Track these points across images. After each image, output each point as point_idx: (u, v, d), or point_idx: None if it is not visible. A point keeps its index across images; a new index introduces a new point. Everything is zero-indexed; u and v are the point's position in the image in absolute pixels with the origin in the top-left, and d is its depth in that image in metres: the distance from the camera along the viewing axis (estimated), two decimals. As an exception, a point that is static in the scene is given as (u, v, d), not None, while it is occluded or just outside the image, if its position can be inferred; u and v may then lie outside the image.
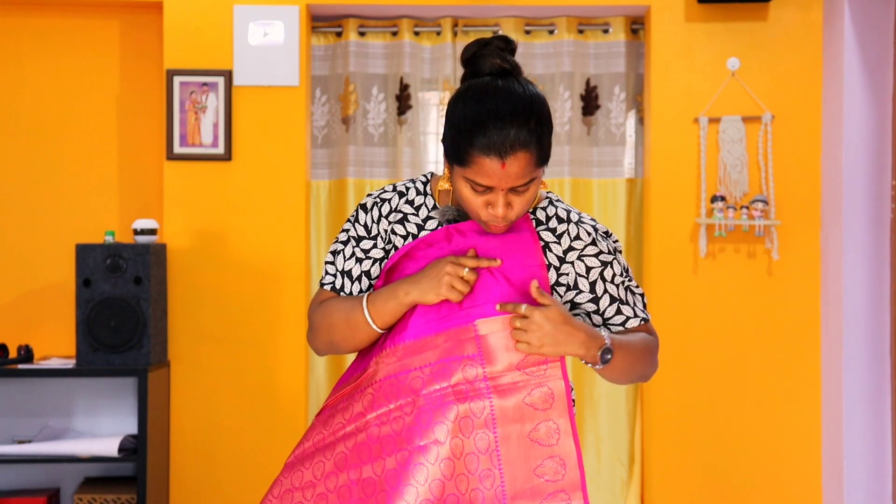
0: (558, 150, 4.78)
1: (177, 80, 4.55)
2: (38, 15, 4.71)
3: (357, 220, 2.32)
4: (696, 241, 4.57)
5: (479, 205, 2.15)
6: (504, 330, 2.14)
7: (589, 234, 2.27)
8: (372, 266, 2.30)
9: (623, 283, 2.28)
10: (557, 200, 2.31)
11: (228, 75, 4.55)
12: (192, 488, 4.51)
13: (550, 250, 2.25)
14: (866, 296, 4.42)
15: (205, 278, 4.54)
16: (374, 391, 2.16)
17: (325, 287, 2.33)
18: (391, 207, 2.31)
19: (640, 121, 4.82)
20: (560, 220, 2.27)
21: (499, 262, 2.18)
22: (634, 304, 2.30)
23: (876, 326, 4.41)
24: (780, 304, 4.58)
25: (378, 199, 2.33)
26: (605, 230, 2.30)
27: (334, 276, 2.32)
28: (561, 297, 2.26)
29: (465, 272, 2.15)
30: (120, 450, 4.20)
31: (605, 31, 4.79)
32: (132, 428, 4.43)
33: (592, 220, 2.31)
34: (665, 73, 4.60)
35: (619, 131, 4.81)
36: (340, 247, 2.32)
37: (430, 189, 2.32)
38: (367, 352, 2.27)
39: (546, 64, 4.80)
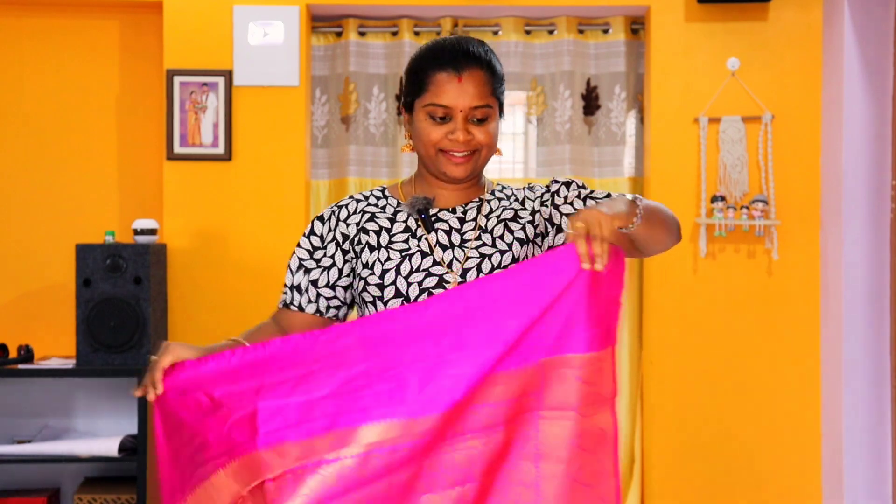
0: (559, 150, 4.78)
1: (177, 80, 4.55)
2: (38, 15, 4.71)
3: (312, 231, 2.40)
4: (696, 241, 4.57)
5: (439, 137, 2.21)
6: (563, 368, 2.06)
7: (543, 186, 2.34)
8: (321, 274, 2.36)
9: (584, 195, 2.31)
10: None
11: (228, 75, 4.55)
12: (192, 488, 4.51)
13: (519, 218, 2.31)
14: (866, 296, 4.42)
15: (205, 278, 4.54)
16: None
17: (280, 305, 2.41)
18: (350, 211, 2.37)
19: (641, 120, 4.82)
20: (515, 189, 2.36)
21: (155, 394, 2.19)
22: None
23: (876, 326, 4.41)
24: (780, 304, 4.58)
25: (335, 208, 2.40)
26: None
27: (285, 293, 2.40)
28: (540, 247, 2.30)
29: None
30: (120, 450, 4.20)
31: (605, 31, 4.79)
32: (132, 428, 4.43)
33: None
34: (665, 72, 4.60)
35: (620, 131, 4.81)
36: (293, 265, 2.41)
37: (389, 193, 2.39)
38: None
39: (546, 64, 4.80)
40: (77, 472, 4.51)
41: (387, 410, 2.00)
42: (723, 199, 4.52)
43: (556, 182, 2.32)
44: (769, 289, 4.58)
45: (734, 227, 4.55)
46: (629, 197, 2.15)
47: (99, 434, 4.43)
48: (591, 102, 4.81)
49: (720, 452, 4.58)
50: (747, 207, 4.53)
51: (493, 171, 4.84)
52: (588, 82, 4.82)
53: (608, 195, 2.28)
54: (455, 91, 2.18)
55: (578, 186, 2.31)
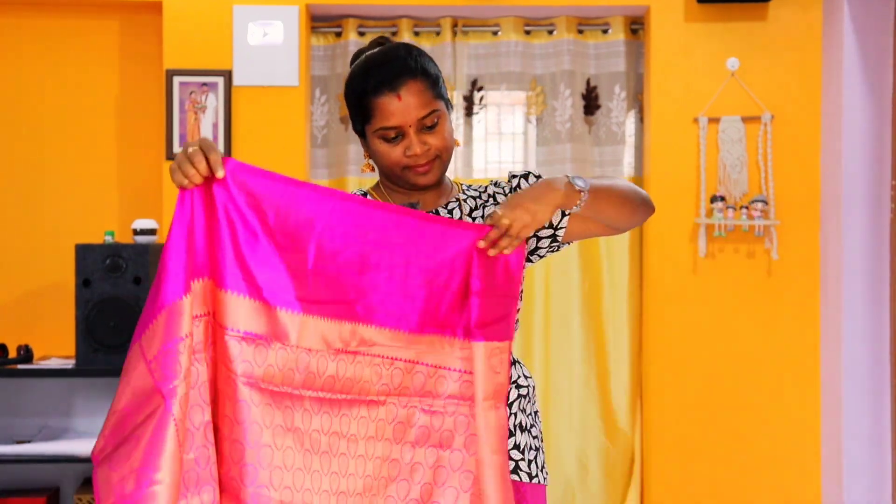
0: (559, 149, 4.78)
1: (176, 80, 4.55)
2: (38, 15, 4.71)
3: None
4: (696, 241, 4.57)
5: (398, 156, 2.22)
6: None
7: (505, 182, 2.34)
8: None
9: None
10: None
11: (228, 75, 4.56)
12: (191, 488, 4.51)
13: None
14: (866, 296, 4.42)
15: (204, 278, 4.54)
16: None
17: None
18: None
19: (641, 120, 4.82)
20: (479, 188, 2.37)
21: (222, 173, 2.15)
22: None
23: (876, 326, 4.41)
24: (780, 304, 4.58)
25: None
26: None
27: None
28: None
29: (191, 150, 2.09)
30: (119, 450, 4.20)
31: (605, 31, 4.79)
32: (132, 428, 4.43)
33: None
34: (665, 72, 4.60)
35: (620, 130, 4.81)
36: None
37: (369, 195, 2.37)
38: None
39: (546, 64, 4.80)
40: (77, 472, 4.51)
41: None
42: (722, 199, 4.52)
43: (515, 176, 2.33)
44: (769, 289, 4.58)
45: (734, 227, 4.55)
46: (566, 178, 2.15)
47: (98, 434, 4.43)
48: (591, 102, 4.81)
49: (720, 452, 4.58)
50: (747, 207, 4.53)
51: (494, 171, 4.84)
52: (588, 82, 4.82)
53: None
54: (399, 110, 2.18)
55: (536, 178, 2.32)
